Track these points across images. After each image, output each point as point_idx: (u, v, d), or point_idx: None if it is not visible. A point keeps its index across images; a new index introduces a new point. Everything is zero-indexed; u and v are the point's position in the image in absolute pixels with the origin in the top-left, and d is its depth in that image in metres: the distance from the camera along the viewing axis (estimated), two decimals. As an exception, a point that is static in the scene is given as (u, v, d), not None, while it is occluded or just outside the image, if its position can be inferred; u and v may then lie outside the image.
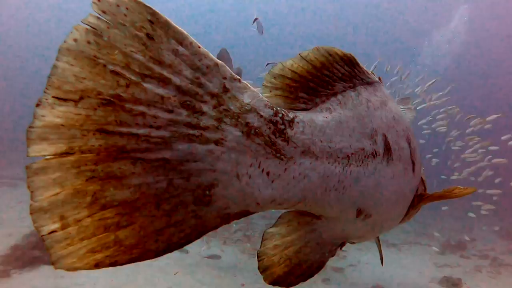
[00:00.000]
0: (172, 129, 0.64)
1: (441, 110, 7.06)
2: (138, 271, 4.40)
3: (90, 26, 0.59)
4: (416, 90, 7.00)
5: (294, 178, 0.80)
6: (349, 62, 0.97)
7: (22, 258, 4.27)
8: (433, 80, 6.58)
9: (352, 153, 0.93)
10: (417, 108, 6.76)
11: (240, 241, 6.12)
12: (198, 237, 0.67)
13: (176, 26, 0.64)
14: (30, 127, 0.56)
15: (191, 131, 0.65)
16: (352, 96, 0.99)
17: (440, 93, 6.91)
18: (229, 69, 0.70)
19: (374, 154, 0.99)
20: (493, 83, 21.65)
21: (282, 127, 0.77)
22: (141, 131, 0.61)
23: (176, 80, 0.64)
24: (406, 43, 19.68)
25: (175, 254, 5.18)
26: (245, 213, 0.73)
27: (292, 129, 0.80)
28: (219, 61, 0.68)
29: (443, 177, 8.51)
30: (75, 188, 0.57)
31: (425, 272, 5.51)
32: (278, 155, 0.76)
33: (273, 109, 0.76)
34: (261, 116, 0.74)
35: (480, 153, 6.73)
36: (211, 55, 0.68)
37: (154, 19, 0.62)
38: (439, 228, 8.22)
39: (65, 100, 0.58)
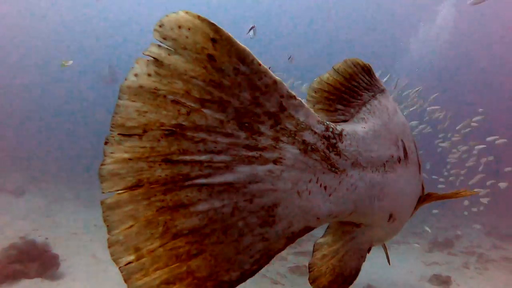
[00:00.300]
0: (233, 153, 0.64)
1: (428, 109, 7.12)
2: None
3: (151, 57, 0.60)
4: (403, 94, 7.07)
5: (347, 190, 0.82)
6: (368, 71, 1.01)
7: (1, 272, 4.07)
8: (417, 88, 6.66)
9: (387, 161, 0.97)
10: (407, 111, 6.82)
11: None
12: (267, 262, 0.67)
13: (238, 42, 0.62)
14: (102, 164, 0.59)
15: (250, 153, 0.66)
16: (376, 105, 1.03)
17: (432, 96, 6.98)
18: (286, 86, 0.70)
19: (399, 160, 1.04)
20: (481, 79, 21.68)
21: (334, 141, 0.79)
22: (203, 157, 0.62)
23: (235, 102, 0.64)
24: (393, 37, 19.51)
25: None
26: (307, 230, 0.73)
27: (342, 142, 0.82)
28: (277, 78, 0.67)
29: (434, 177, 8.61)
30: (147, 220, 0.59)
31: (414, 270, 5.55)
32: (333, 168, 0.78)
33: (324, 124, 0.78)
34: (315, 132, 0.75)
35: (467, 152, 6.80)
36: (270, 72, 0.67)
37: (217, 36, 0.61)
38: (426, 226, 8.30)
39: (130, 135, 0.60)
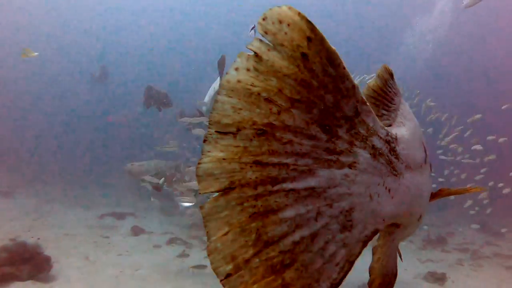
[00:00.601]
0: (315, 156, 0.65)
1: (423, 105, 7.12)
2: (119, 282, 4.19)
3: (253, 51, 0.61)
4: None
5: (404, 192, 0.85)
6: (392, 76, 1.05)
7: (-9, 275, 3.97)
8: (418, 91, 6.65)
9: (422, 163, 1.01)
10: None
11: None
12: (349, 270, 0.67)
13: (329, 43, 0.63)
14: (199, 163, 0.60)
15: (329, 157, 0.67)
16: (404, 109, 1.07)
17: (429, 99, 6.96)
18: (361, 92, 0.72)
19: (425, 160, 1.09)
20: (480, 75, 20.69)
21: (393, 145, 0.82)
22: (289, 160, 0.63)
23: (320, 104, 0.64)
24: (388, 30, 18.95)
25: (158, 262, 4.98)
26: (375, 233, 0.74)
27: (398, 146, 0.85)
28: (356, 83, 0.68)
29: (432, 174, 8.61)
30: (241, 226, 0.59)
31: (409, 268, 5.56)
32: (394, 172, 0.81)
33: (384, 129, 0.81)
34: (381, 137, 0.77)
35: (466, 152, 6.80)
36: (351, 76, 0.68)
37: (312, 35, 0.62)
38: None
39: (225, 133, 0.61)
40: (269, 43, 0.61)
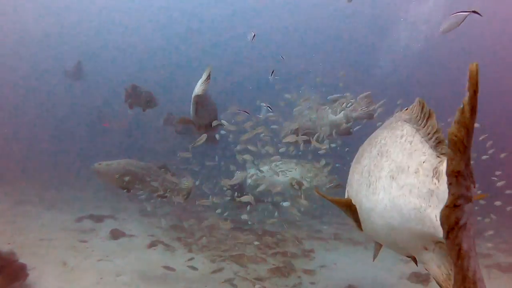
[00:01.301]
0: (464, 194, 0.81)
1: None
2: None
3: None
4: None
5: None
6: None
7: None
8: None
9: None
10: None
11: (205, 248, 5.86)
12: None
13: None
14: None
15: (467, 193, 0.82)
16: None
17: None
18: None
19: None
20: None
21: None
22: (460, 201, 0.81)
23: (469, 148, 0.82)
24: (379, 18, 17.98)
25: (141, 267, 4.82)
26: None
27: None
28: None
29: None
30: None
31: (393, 269, 5.60)
32: None
33: None
34: None
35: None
36: None
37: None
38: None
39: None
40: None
